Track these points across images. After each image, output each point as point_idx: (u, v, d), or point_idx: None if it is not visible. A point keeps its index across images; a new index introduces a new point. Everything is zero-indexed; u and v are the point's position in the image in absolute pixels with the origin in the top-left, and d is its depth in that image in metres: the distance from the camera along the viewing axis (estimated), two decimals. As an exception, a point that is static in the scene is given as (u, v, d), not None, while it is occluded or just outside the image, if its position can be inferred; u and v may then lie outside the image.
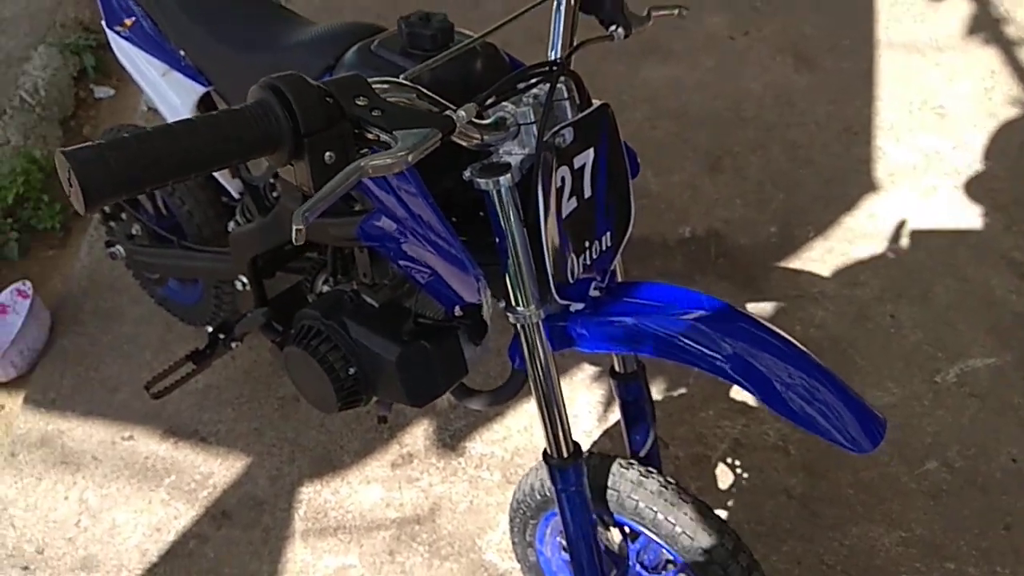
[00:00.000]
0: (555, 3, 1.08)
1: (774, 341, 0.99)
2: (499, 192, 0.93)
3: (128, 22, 1.42)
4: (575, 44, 1.04)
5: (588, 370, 1.92)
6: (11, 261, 2.25)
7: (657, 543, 1.23)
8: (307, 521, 1.71)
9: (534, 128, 0.93)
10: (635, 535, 1.31)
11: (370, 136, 0.75)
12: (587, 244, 1.02)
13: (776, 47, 2.79)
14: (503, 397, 1.27)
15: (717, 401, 1.86)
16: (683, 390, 1.88)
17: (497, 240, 0.98)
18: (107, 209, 1.76)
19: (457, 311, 1.18)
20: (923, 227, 2.19)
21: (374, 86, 0.77)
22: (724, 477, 1.74)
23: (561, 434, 1.11)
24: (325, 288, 1.39)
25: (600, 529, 1.33)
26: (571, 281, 1.01)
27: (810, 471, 1.73)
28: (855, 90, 2.61)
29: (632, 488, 1.21)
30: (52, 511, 1.75)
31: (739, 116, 2.55)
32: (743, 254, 2.17)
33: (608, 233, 1.06)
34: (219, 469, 1.80)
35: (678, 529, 1.17)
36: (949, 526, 1.62)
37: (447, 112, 0.81)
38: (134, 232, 1.75)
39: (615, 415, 1.83)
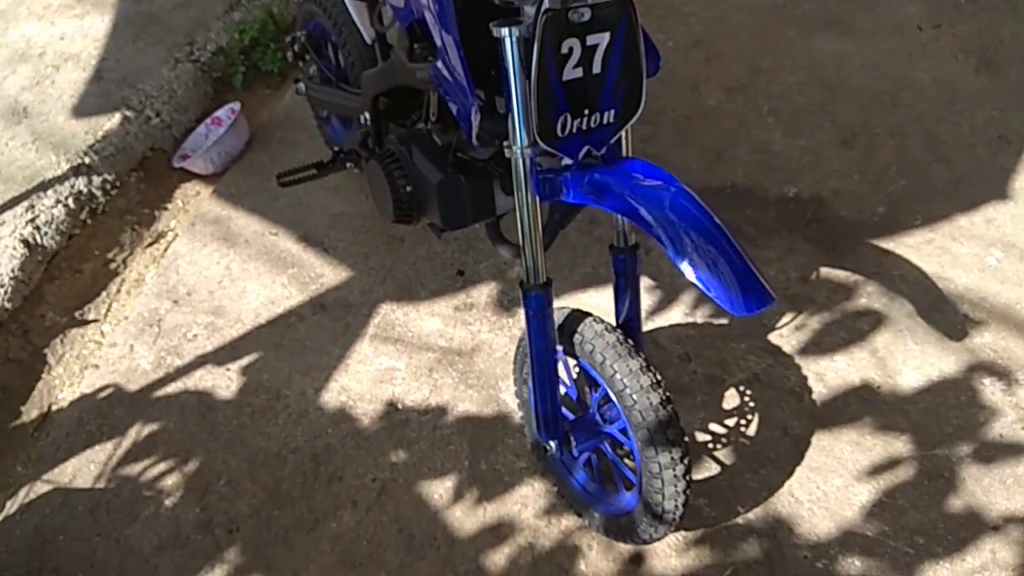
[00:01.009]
0: None
1: (703, 218, 1.17)
2: (508, 40, 1.18)
3: None
4: None
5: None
6: (236, 89, 2.83)
7: (608, 395, 1.46)
8: (378, 328, 2.09)
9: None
10: (596, 384, 1.53)
11: None
12: (586, 112, 1.23)
13: (963, 46, 2.70)
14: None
15: (751, 338, 1.99)
16: (724, 320, 2.02)
17: (503, 83, 1.24)
18: (298, 51, 2.21)
19: (488, 155, 1.47)
20: (1041, 245, 2.12)
21: None
22: (730, 400, 1.89)
23: (535, 264, 1.36)
24: (420, 125, 1.73)
25: (570, 370, 1.57)
26: (560, 135, 1.23)
27: (815, 420, 1.83)
28: (1032, 102, 2.49)
29: (593, 336, 1.44)
30: (206, 269, 2.28)
31: (893, 101, 2.54)
32: (839, 224, 2.22)
33: (612, 111, 1.27)
34: (329, 273, 2.23)
35: (618, 377, 1.39)
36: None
37: None
38: (312, 73, 2.19)
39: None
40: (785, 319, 2.02)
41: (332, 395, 1.96)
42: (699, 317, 2.04)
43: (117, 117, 2.56)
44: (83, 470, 1.90)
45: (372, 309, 2.14)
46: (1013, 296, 2.02)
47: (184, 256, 2.33)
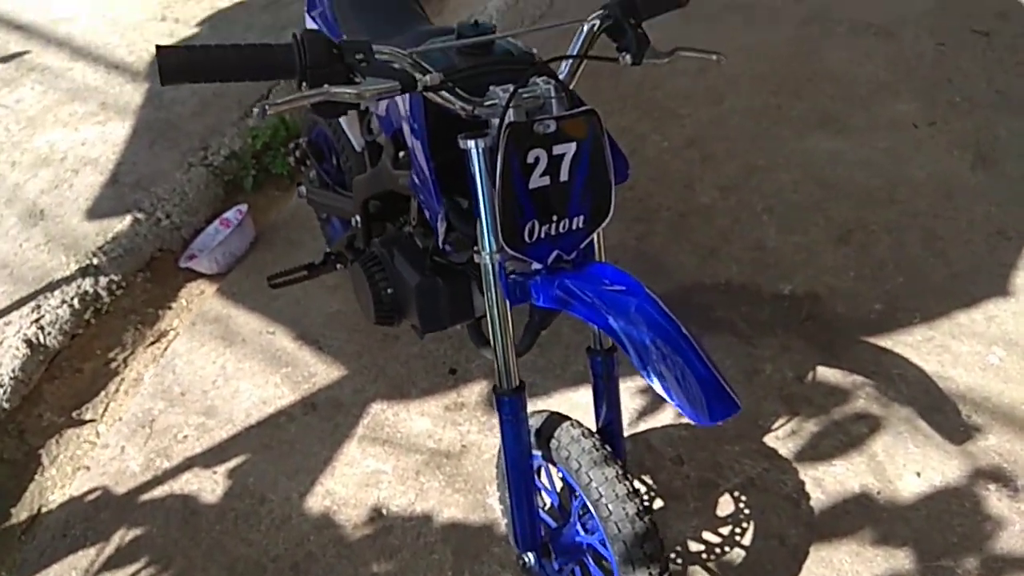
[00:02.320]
0: (585, 24, 1.35)
1: (668, 326, 1.16)
2: (474, 151, 1.22)
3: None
4: (569, 56, 1.31)
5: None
6: (246, 191, 2.92)
7: (585, 503, 1.42)
8: (367, 428, 2.08)
9: (515, 112, 1.21)
10: (576, 492, 1.50)
11: (356, 79, 1.09)
12: (555, 218, 1.25)
13: (958, 142, 2.72)
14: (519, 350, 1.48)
15: (746, 440, 1.94)
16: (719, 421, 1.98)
17: (471, 192, 1.27)
18: (300, 157, 2.29)
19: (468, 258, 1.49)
20: (1045, 343, 2.07)
21: (376, 50, 1.12)
22: (724, 506, 1.83)
23: (507, 368, 1.35)
24: (406, 229, 1.76)
25: (552, 477, 1.54)
26: (528, 241, 1.25)
27: (812, 528, 1.76)
28: (1030, 198, 2.48)
29: (569, 441, 1.41)
30: (202, 368, 2.30)
31: (890, 197, 2.55)
32: (835, 321, 2.19)
33: (581, 217, 1.28)
34: (322, 371, 2.24)
35: (594, 485, 1.36)
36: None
37: (416, 74, 1.12)
38: (312, 177, 2.26)
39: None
40: (781, 421, 1.97)
41: (317, 499, 1.94)
42: (692, 418, 2.00)
43: (128, 219, 2.65)
44: (64, 576, 1.87)
45: (363, 409, 2.13)
46: (1017, 396, 1.96)
47: (182, 355, 2.36)
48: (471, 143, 1.21)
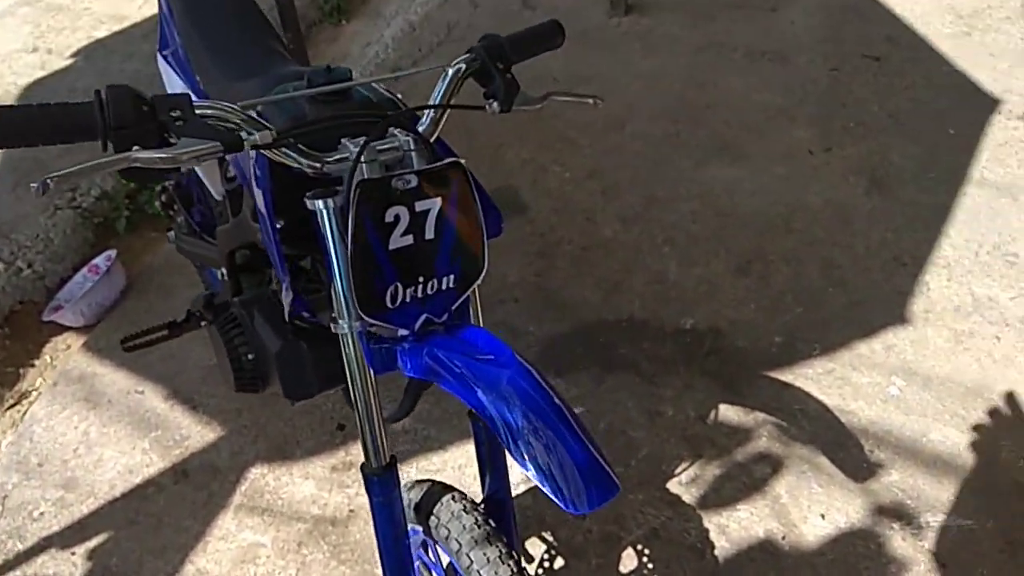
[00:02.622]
0: (449, 68, 1.24)
1: (542, 401, 1.04)
2: (324, 212, 1.09)
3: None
4: (431, 105, 1.20)
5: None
6: (119, 234, 2.71)
7: None
8: (245, 496, 1.90)
9: (370, 168, 1.09)
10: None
11: (172, 139, 0.95)
12: (421, 279, 1.12)
13: (854, 168, 2.74)
14: (393, 417, 1.36)
15: (650, 488, 1.85)
16: (621, 469, 1.89)
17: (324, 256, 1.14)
18: (166, 201, 2.11)
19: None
20: (943, 372, 2.06)
21: (197, 105, 0.98)
22: (628, 561, 1.73)
23: (376, 445, 1.21)
24: (271, 286, 1.61)
25: (438, 555, 1.41)
26: (391, 306, 1.11)
27: (718, 580, 1.68)
28: (923, 223, 2.50)
29: (449, 518, 1.29)
30: (62, 435, 2.09)
31: (787, 226, 2.53)
32: (737, 356, 2.14)
33: (451, 276, 1.15)
34: (196, 434, 2.05)
35: (475, 567, 1.23)
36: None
37: (241, 132, 0.99)
38: (180, 223, 2.09)
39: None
40: (684, 465, 1.90)
41: (187, 580, 1.75)
42: (593, 467, 1.90)
43: (-18, 270, 2.41)
44: None
45: (240, 473, 1.95)
46: (918, 428, 1.93)
47: (41, 420, 2.14)
48: (319, 203, 1.08)
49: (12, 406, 2.24)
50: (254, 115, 1.04)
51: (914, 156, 2.77)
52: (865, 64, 3.28)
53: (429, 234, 1.12)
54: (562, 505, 0.96)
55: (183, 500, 1.91)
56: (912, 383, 2.04)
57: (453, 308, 1.16)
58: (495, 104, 1.22)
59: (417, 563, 1.43)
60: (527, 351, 2.18)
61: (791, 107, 3.06)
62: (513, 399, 1.03)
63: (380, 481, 1.22)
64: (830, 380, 2.06)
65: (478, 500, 1.37)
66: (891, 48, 3.39)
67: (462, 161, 1.14)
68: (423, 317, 1.14)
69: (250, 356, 1.41)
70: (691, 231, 2.53)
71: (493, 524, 1.29)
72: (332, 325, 1.16)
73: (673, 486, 1.85)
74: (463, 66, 1.24)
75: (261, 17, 1.77)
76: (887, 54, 3.34)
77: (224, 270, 1.72)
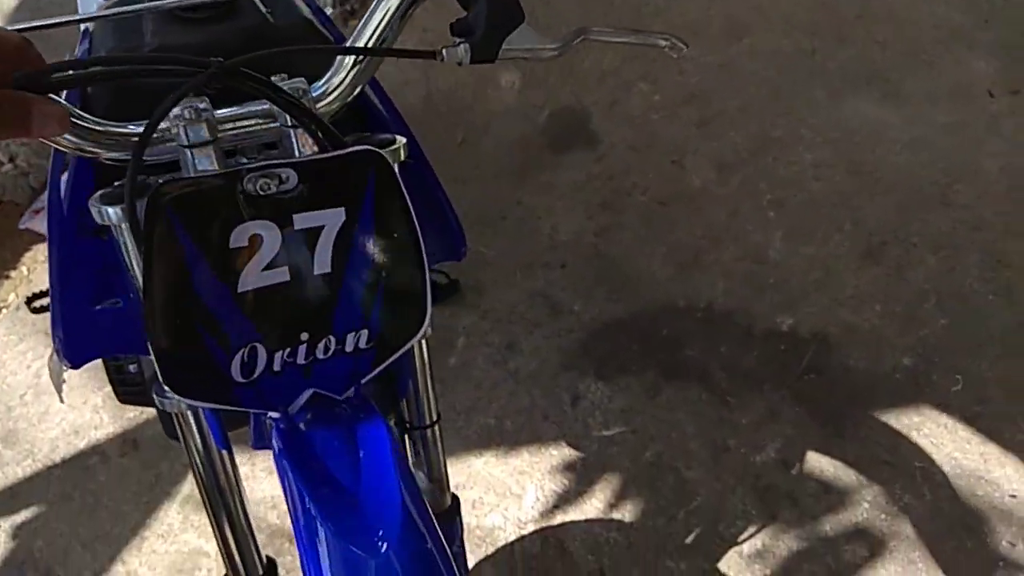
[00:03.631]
0: None
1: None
2: (117, 228, 0.63)
3: None
4: (347, 50, 0.69)
5: (565, 448, 1.54)
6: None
7: None
8: (194, 487, 1.56)
9: (193, 159, 0.61)
10: None
11: None
12: (304, 337, 0.68)
13: (1050, 121, 2.02)
14: None
15: (698, 553, 1.39)
16: (662, 520, 1.43)
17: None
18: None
19: None
20: None
21: None
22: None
23: (243, 551, 0.83)
24: None
25: None
26: (241, 380, 0.66)
27: None
28: None
29: None
30: (12, 375, 1.79)
31: (944, 198, 1.89)
32: (845, 379, 1.60)
33: (363, 332, 0.70)
34: (156, 395, 1.71)
35: None
36: None
37: None
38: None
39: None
40: (750, 528, 1.42)
41: (111, 586, 1.45)
42: (626, 512, 1.45)
43: (-42, 160, 2.09)
44: None
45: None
46: (1092, 523, 1.37)
47: (-5, 352, 1.85)
48: (109, 211, 0.62)
49: (-20, 323, 1.95)
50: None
51: None
52: (1086, -28, 2.44)
53: (324, 266, 0.66)
54: None
55: (127, 478, 1.59)
56: (1094, 452, 1.46)
57: (364, 381, 0.72)
58: (462, 48, 0.69)
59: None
60: (564, 338, 1.71)
61: (972, 28, 2.29)
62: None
63: None
64: (971, 431, 1.51)
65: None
66: None
67: (381, 152, 0.64)
68: (307, 394, 0.70)
69: (132, 367, 1.06)
70: (810, 191, 1.93)
71: None
72: (156, 400, 0.76)
73: (730, 557, 1.39)
74: None
75: None
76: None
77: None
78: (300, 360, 0.68)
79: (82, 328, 0.79)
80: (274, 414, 0.71)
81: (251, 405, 0.68)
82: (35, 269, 2.06)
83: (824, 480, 1.47)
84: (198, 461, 0.78)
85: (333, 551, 0.63)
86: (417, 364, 0.84)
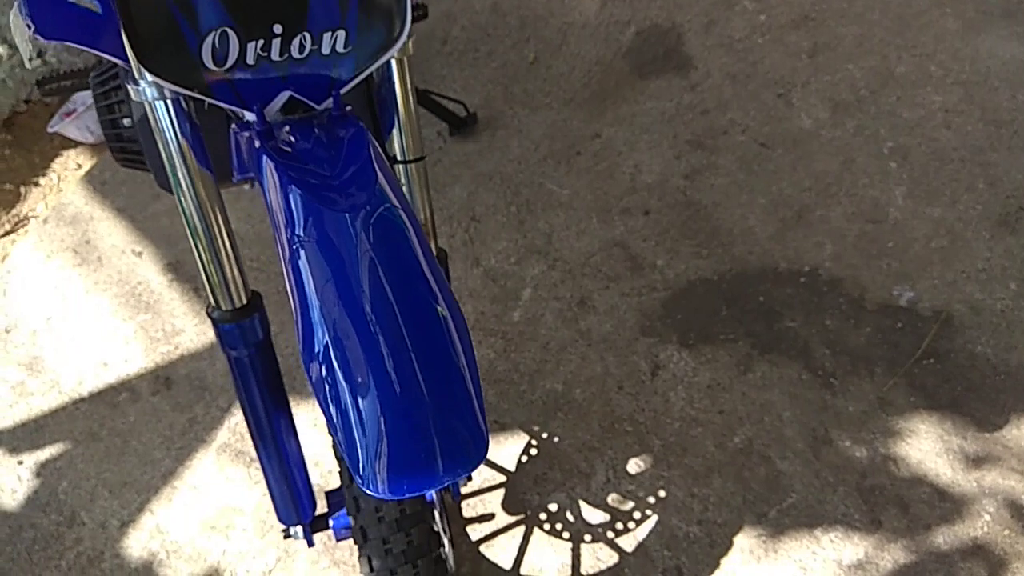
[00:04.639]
0: None
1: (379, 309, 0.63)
2: None
3: None
4: None
5: (642, 425, 1.36)
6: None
7: None
8: (233, 434, 1.43)
9: None
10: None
11: None
12: (278, 30, 0.68)
13: None
14: None
15: (788, 557, 1.23)
16: (752, 517, 1.26)
17: None
18: None
19: None
20: None
21: None
22: None
23: (224, 277, 0.79)
24: None
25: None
26: (213, 67, 0.68)
27: None
28: None
29: None
30: (38, 294, 1.65)
31: (1100, 158, 1.61)
32: (970, 366, 1.38)
33: (343, 33, 0.70)
34: (191, 328, 1.56)
35: None
36: None
37: None
38: None
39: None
40: (852, 536, 1.24)
41: (141, 537, 1.33)
42: (709, 505, 1.28)
43: (-17, 51, 1.91)
44: None
45: (230, 402, 1.46)
46: None
47: (21, 267, 1.70)
48: None
49: (7, 233, 1.81)
50: None
51: None
52: None
53: None
54: (356, 478, 0.62)
55: (158, 420, 1.46)
56: None
57: (344, 91, 0.73)
58: None
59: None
60: (644, 297, 1.51)
61: None
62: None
63: (231, 331, 0.82)
64: (1120, 441, 1.29)
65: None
66: None
67: None
68: (283, 96, 0.72)
69: (126, 121, 1.05)
70: (938, 141, 1.66)
71: None
72: (129, 88, 0.72)
73: (827, 568, 1.22)
74: None
75: None
76: None
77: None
78: (275, 56, 0.69)
79: (55, 13, 0.71)
80: (249, 115, 0.71)
81: (226, 99, 0.69)
82: (66, 178, 1.90)
83: (939, 485, 1.28)
84: (171, 160, 0.72)
85: (319, 233, 0.64)
86: (399, 94, 0.79)
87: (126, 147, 1.02)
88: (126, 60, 0.68)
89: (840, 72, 1.79)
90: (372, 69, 0.73)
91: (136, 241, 1.70)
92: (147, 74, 0.67)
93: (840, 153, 1.67)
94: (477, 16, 1.95)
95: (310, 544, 1.06)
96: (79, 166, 1.91)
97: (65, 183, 1.89)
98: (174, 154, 0.72)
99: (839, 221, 1.58)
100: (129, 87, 0.70)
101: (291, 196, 0.66)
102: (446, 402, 0.62)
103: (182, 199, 0.74)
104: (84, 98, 1.95)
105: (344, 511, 1.04)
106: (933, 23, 1.85)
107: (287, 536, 1.07)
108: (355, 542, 0.92)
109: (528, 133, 1.76)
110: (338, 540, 1.07)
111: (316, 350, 0.63)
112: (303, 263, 0.64)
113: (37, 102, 1.98)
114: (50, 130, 1.89)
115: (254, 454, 1.39)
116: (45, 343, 1.58)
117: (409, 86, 0.79)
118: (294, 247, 0.64)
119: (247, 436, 1.42)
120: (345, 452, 0.62)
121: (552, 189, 1.67)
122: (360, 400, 0.61)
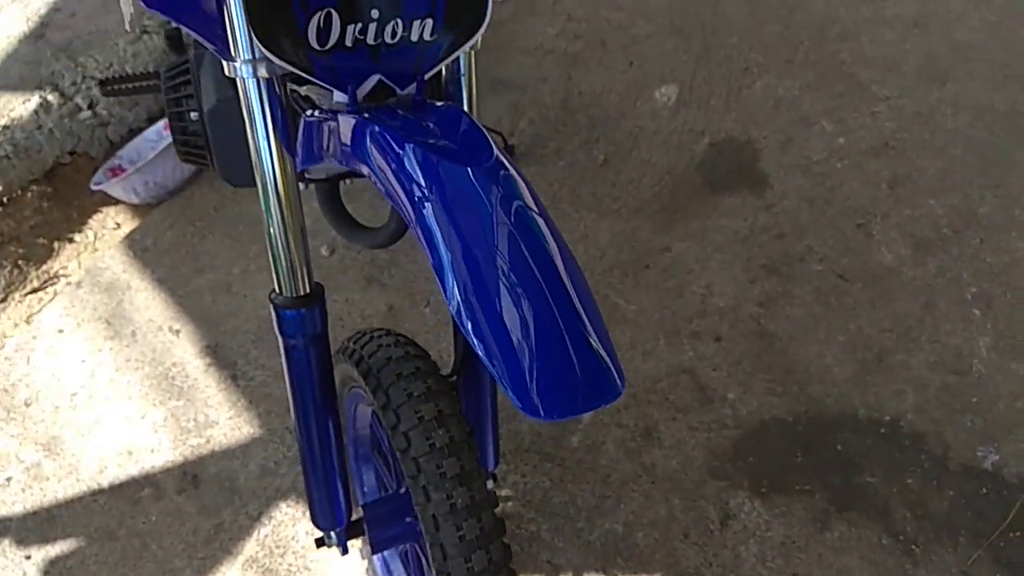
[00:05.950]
0: None
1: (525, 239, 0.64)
2: None
3: None
4: None
5: None
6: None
7: None
8: (261, 548, 1.31)
9: None
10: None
11: None
12: (374, 16, 0.70)
13: None
14: (382, 239, 1.08)
15: None
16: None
17: None
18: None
19: None
20: None
21: None
22: None
23: (289, 263, 0.81)
24: None
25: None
26: (316, 47, 0.70)
27: None
28: None
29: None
30: (63, 368, 1.55)
31: None
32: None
33: (431, 22, 0.73)
34: (224, 421, 1.46)
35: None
36: None
37: None
38: None
39: None
40: None
41: (149, 664, 1.21)
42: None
43: (34, 100, 1.84)
44: None
45: (264, 508, 1.35)
46: None
47: (48, 334, 1.61)
48: None
49: (35, 290, 1.72)
50: None
51: None
52: None
53: None
54: (513, 399, 0.60)
55: (182, 523, 1.35)
56: None
57: (428, 76, 0.76)
58: None
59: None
60: (714, 433, 1.41)
61: None
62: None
63: (292, 317, 0.83)
64: None
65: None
66: None
67: None
68: (374, 79, 0.74)
69: (193, 115, 1.06)
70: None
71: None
72: (224, 64, 0.74)
73: None
74: None
75: None
76: None
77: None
78: (370, 40, 0.71)
79: None
80: (341, 96, 0.73)
81: (323, 77, 0.71)
82: (103, 237, 1.82)
83: None
84: (257, 140, 0.75)
85: (443, 186, 0.64)
86: (465, 88, 0.80)
87: (190, 141, 1.05)
88: (215, 42, 0.71)
89: (922, 207, 1.73)
90: (455, 56, 0.75)
91: (174, 318, 1.61)
92: (255, 50, 0.69)
93: (921, 294, 1.59)
94: (547, 111, 1.90)
95: (344, 551, 1.04)
96: (118, 225, 1.83)
97: (101, 242, 1.81)
98: (260, 134, 0.74)
99: (921, 369, 1.49)
100: (224, 64, 0.72)
101: (409, 157, 0.66)
102: (582, 335, 0.63)
103: (263, 179, 0.77)
104: (131, 155, 1.88)
105: (383, 525, 0.99)
106: (1019, 165, 1.79)
107: (320, 545, 1.05)
108: (425, 531, 0.83)
109: (594, 239, 1.69)
110: (374, 552, 0.99)
111: (458, 293, 0.63)
112: (429, 215, 0.64)
113: (81, 155, 1.90)
114: (93, 187, 1.81)
115: (284, 573, 1.27)
116: (67, 422, 1.48)
117: (475, 80, 0.81)
118: (418, 202, 0.65)
119: (276, 551, 1.31)
120: (500, 382, 0.61)
121: (617, 303, 1.59)
122: (509, 330, 0.61)
